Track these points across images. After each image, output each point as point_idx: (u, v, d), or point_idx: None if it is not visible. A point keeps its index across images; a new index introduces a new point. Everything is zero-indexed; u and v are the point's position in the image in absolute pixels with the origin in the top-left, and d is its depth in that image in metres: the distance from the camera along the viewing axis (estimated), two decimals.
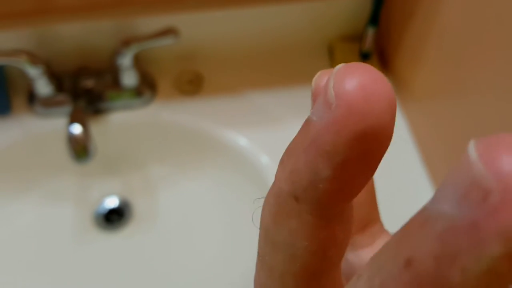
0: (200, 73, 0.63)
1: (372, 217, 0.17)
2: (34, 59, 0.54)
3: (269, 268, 0.13)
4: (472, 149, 0.08)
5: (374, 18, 0.60)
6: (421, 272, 0.09)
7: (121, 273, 0.60)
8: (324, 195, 0.11)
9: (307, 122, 0.11)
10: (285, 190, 0.12)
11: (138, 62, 0.60)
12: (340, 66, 0.10)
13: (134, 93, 0.60)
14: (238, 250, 0.59)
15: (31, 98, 0.60)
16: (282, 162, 0.12)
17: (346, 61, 0.65)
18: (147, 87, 0.61)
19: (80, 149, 0.52)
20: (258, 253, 0.14)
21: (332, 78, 0.10)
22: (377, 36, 0.63)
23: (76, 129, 0.52)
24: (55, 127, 0.59)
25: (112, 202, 0.64)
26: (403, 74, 0.61)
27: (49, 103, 0.59)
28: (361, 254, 0.16)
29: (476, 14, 0.46)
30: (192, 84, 0.62)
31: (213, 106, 0.61)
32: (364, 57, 0.64)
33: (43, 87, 0.57)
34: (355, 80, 0.10)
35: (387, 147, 0.10)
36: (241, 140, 0.59)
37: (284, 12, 0.61)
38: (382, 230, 0.17)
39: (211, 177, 0.63)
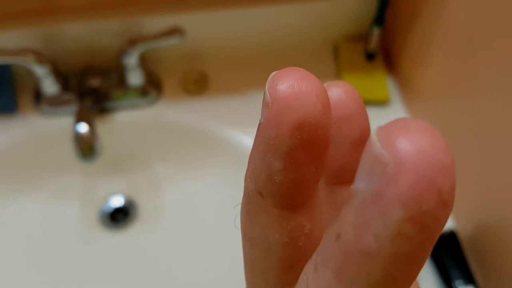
0: (205, 72, 0.64)
1: None
2: (40, 58, 0.55)
3: (251, 265, 0.14)
4: (374, 134, 0.10)
5: (380, 18, 0.61)
6: (346, 242, 0.10)
7: (126, 272, 0.60)
8: (282, 187, 0.12)
9: (258, 124, 0.12)
10: (251, 188, 0.13)
11: (144, 62, 0.60)
12: (273, 72, 0.12)
13: (140, 92, 0.60)
14: None
15: (38, 97, 0.60)
16: (248, 163, 0.13)
17: (351, 61, 0.65)
18: (152, 86, 0.62)
19: (86, 148, 0.52)
20: (243, 253, 0.15)
21: (267, 83, 0.12)
22: (382, 36, 0.63)
23: (83, 128, 0.52)
24: (61, 126, 0.60)
25: (117, 201, 0.64)
26: (408, 74, 0.61)
27: (55, 102, 0.59)
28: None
29: (482, 14, 0.46)
30: (197, 84, 0.63)
31: (218, 106, 0.62)
32: (370, 57, 0.64)
33: (50, 86, 0.58)
34: (284, 80, 0.11)
35: (327, 135, 0.12)
36: (246, 139, 0.60)
37: (289, 12, 0.61)
38: None
39: (217, 176, 0.63)
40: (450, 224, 0.53)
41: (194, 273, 0.60)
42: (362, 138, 0.14)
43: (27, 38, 0.58)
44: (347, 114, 0.14)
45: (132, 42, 0.55)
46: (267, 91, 0.12)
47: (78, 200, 0.63)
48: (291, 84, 0.11)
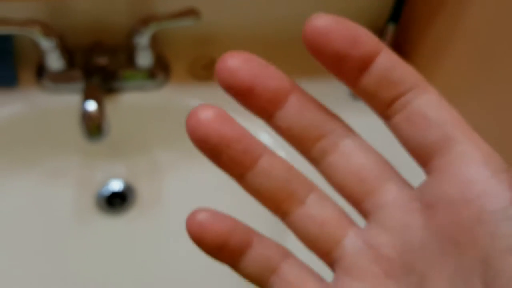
0: (215, 59, 0.62)
1: (327, 128, 0.19)
2: (47, 30, 0.52)
3: None
4: None
5: (396, 15, 0.60)
6: None
7: (120, 257, 0.58)
8: None
9: None
10: None
11: (154, 43, 0.58)
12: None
13: (148, 74, 0.59)
14: None
15: (40, 72, 0.58)
16: None
17: None
18: (161, 69, 0.60)
19: (94, 127, 0.50)
20: None
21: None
22: (396, 33, 0.62)
23: (91, 105, 0.50)
24: (64, 103, 0.57)
25: (116, 185, 0.62)
26: (421, 72, 0.61)
27: (59, 79, 0.57)
28: (328, 162, 0.20)
29: (505, 18, 0.46)
30: (206, 69, 0.61)
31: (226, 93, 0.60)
32: None
33: (55, 61, 0.55)
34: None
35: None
36: (252, 126, 0.58)
37: (307, 2, 0.61)
38: (345, 134, 0.20)
39: None
40: None
41: (189, 262, 0.58)
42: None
43: (34, 10, 0.55)
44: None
45: (145, 21, 0.54)
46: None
47: (76, 181, 0.61)
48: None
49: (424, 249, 0.17)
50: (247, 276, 0.20)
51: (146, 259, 0.58)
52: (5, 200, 0.58)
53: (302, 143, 0.19)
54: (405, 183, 0.19)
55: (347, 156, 0.19)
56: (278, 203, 0.19)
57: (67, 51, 0.57)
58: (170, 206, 0.61)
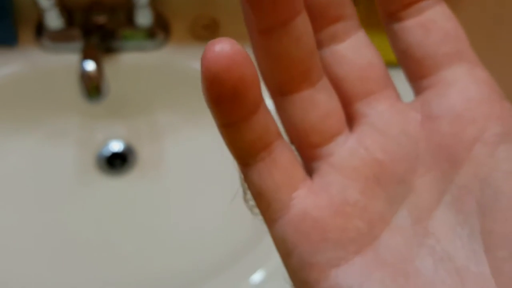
0: (216, 18, 0.61)
1: (345, 12, 0.17)
2: None
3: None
4: None
5: None
6: None
7: (120, 217, 0.59)
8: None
9: None
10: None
11: (154, 2, 0.57)
12: None
13: (147, 33, 0.58)
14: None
15: (39, 30, 0.57)
16: None
17: (371, 15, 0.63)
18: (161, 28, 0.59)
19: (92, 88, 0.50)
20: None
21: None
22: None
23: (90, 65, 0.50)
24: (63, 63, 0.57)
25: (116, 146, 0.62)
26: None
27: (58, 37, 0.56)
28: (335, 49, 0.18)
29: None
30: (207, 29, 0.60)
31: None
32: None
33: (53, 20, 0.55)
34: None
35: None
36: None
37: None
38: (357, 27, 0.18)
39: None
40: None
41: (190, 224, 0.59)
42: None
43: None
44: None
45: None
46: None
47: (76, 142, 0.61)
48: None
49: (418, 160, 0.17)
50: (239, 141, 0.17)
51: (146, 220, 0.59)
52: (4, 160, 0.58)
53: (317, 19, 0.17)
54: (399, 96, 0.19)
55: (357, 49, 0.18)
56: (290, 77, 0.17)
57: (66, 10, 0.56)
58: (170, 167, 0.62)
